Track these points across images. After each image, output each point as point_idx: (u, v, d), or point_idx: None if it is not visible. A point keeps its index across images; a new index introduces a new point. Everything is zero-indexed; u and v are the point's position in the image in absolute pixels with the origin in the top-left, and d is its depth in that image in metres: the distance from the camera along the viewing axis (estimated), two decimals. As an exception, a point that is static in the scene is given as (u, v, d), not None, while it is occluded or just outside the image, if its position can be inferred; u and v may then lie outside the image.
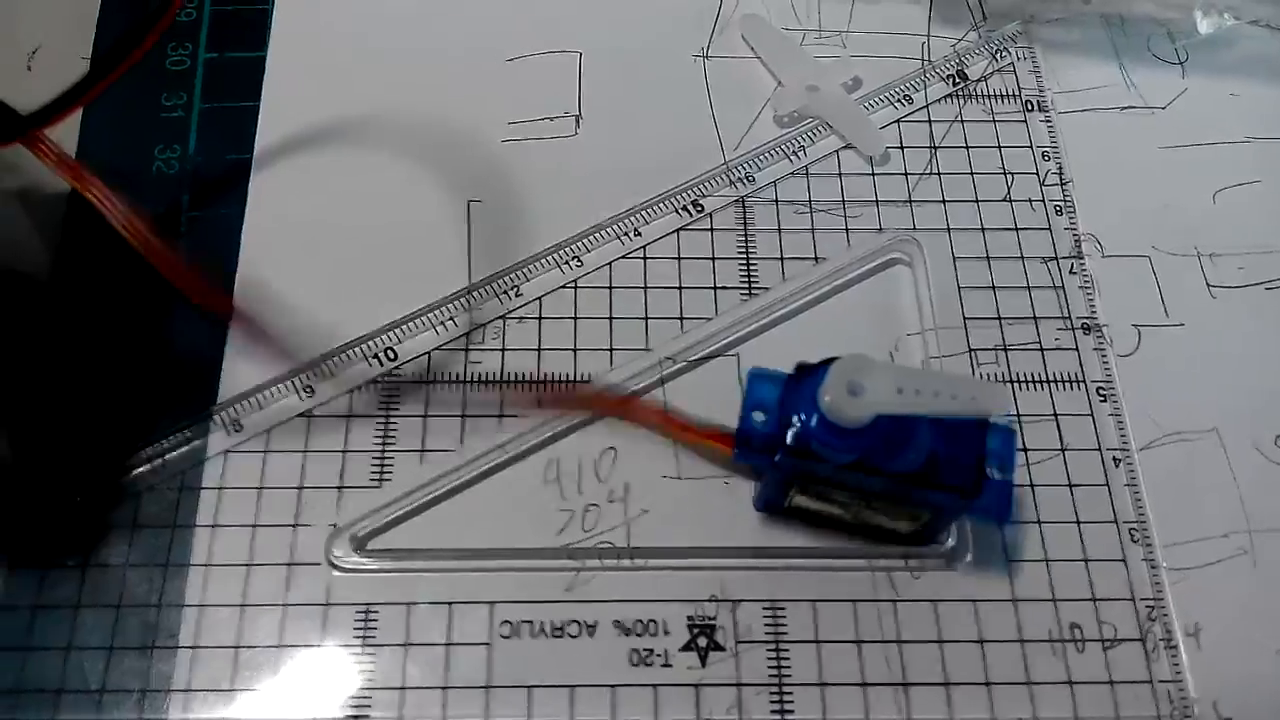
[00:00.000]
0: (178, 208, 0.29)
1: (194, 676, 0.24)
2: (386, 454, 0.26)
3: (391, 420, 0.27)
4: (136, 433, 0.26)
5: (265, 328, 0.26)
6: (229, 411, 0.26)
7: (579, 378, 0.27)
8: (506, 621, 0.25)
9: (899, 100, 0.31)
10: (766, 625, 0.25)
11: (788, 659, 0.24)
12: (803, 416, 0.22)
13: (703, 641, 0.25)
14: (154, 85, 0.31)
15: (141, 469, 0.26)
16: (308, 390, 0.27)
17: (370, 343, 0.27)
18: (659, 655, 0.24)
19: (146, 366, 0.27)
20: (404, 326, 0.28)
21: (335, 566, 0.25)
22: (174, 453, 0.26)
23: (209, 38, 0.32)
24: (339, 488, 0.26)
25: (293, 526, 0.25)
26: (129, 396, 0.26)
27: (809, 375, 0.23)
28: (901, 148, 0.31)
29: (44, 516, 0.25)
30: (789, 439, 0.22)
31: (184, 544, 0.25)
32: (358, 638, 0.24)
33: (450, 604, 0.25)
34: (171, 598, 0.24)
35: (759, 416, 0.24)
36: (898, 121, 0.31)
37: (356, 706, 0.24)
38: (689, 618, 0.25)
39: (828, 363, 0.22)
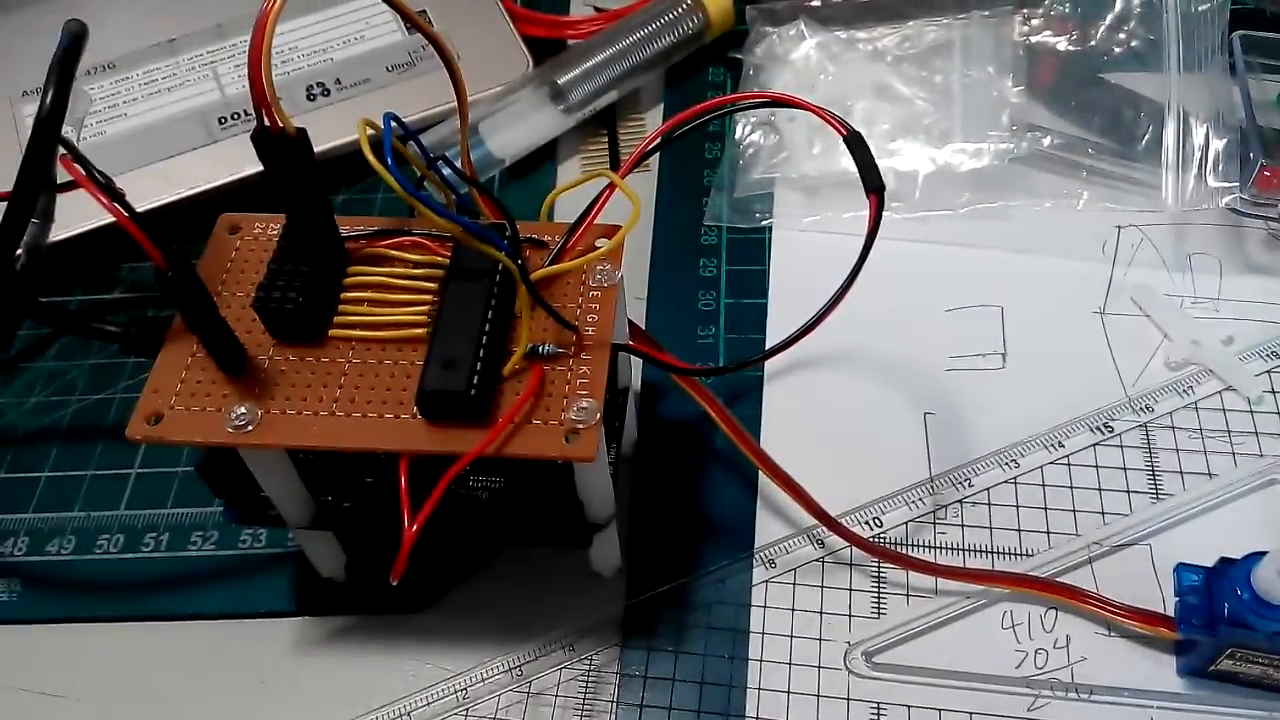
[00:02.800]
0: (715, 406, 0.41)
1: (755, 739, 0.33)
2: (882, 594, 0.36)
3: (883, 567, 0.36)
4: (706, 562, 0.37)
5: (799, 487, 0.36)
6: (766, 553, 0.37)
7: (1024, 550, 0.36)
8: (982, 727, 0.33)
9: (1267, 355, 0.40)
10: (1190, 754, 0.32)
11: (1211, 784, 0.31)
12: (1238, 595, 0.30)
13: (1138, 761, 0.32)
14: (691, 320, 0.44)
15: (711, 588, 0.36)
16: (819, 543, 0.37)
17: (861, 511, 0.38)
18: (1104, 768, 0.32)
19: (705, 517, 0.38)
20: (884, 502, 0.38)
21: (852, 672, 0.34)
22: (731, 579, 0.37)
23: (726, 289, 0.45)
24: (849, 615, 0.35)
25: (818, 640, 0.35)
26: (698, 537, 0.38)
27: (1235, 565, 0.31)
28: (1273, 392, 0.39)
29: (645, 612, 0.36)
30: (1226, 612, 0.30)
31: (744, 643, 0.35)
32: (871, 727, 0.33)
33: (940, 710, 0.33)
34: (738, 680, 0.34)
35: (1192, 599, 0.32)
36: (1268, 371, 0.39)
37: (873, 777, 0.32)
38: (1127, 742, 0.32)
39: (1256, 555, 0.30)
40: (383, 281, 0.32)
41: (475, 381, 0.29)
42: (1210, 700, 0.33)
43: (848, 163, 0.46)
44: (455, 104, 0.32)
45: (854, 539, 0.36)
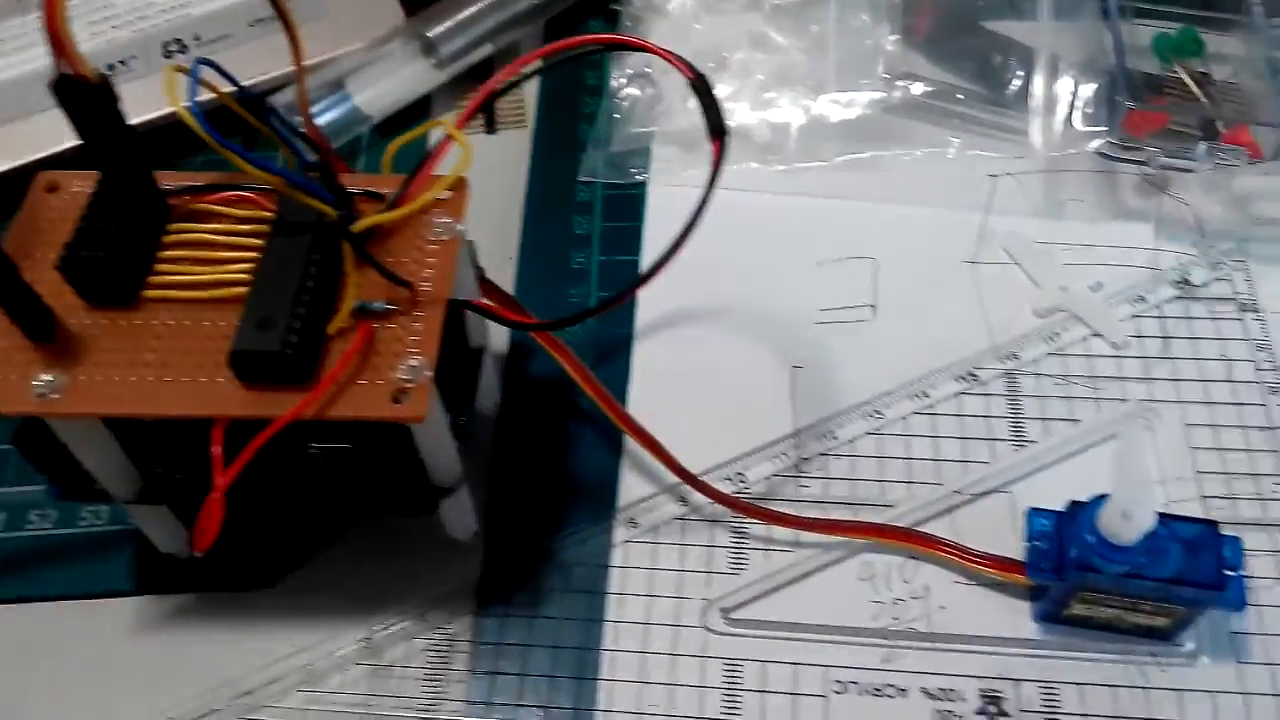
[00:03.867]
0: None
1: (611, 700, 0.33)
2: (742, 550, 0.35)
3: (744, 523, 0.36)
4: (565, 524, 0.36)
5: (661, 446, 0.36)
6: (627, 513, 0.36)
7: (886, 501, 0.36)
8: (838, 681, 0.33)
9: (1134, 300, 0.40)
10: (1043, 699, 0.32)
11: (1060, 727, 0.31)
12: (1085, 538, 0.30)
13: (993, 708, 0.32)
14: (565, 279, 0.43)
15: (570, 550, 0.36)
16: (682, 500, 0.37)
17: (725, 467, 0.37)
18: (958, 716, 0.32)
19: (567, 478, 0.37)
20: (749, 457, 0.37)
21: (709, 630, 0.34)
22: (592, 539, 0.36)
23: (600, 247, 0.44)
24: (708, 572, 0.35)
25: (676, 598, 0.34)
26: (559, 499, 0.37)
27: (1082, 508, 0.31)
28: (1138, 336, 0.39)
29: (501, 578, 0.35)
30: (1074, 555, 0.30)
31: (600, 605, 0.34)
32: (727, 683, 0.33)
33: (795, 664, 0.33)
34: (593, 643, 0.34)
35: (1042, 544, 0.32)
36: (1134, 316, 0.39)
37: (728, 733, 0.32)
38: (981, 690, 0.32)
39: (1101, 498, 0.30)
40: (204, 239, 0.30)
41: (292, 341, 0.28)
42: (1064, 646, 0.33)
43: (728, 115, 0.46)
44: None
45: (715, 494, 0.35)
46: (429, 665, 0.34)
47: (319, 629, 0.34)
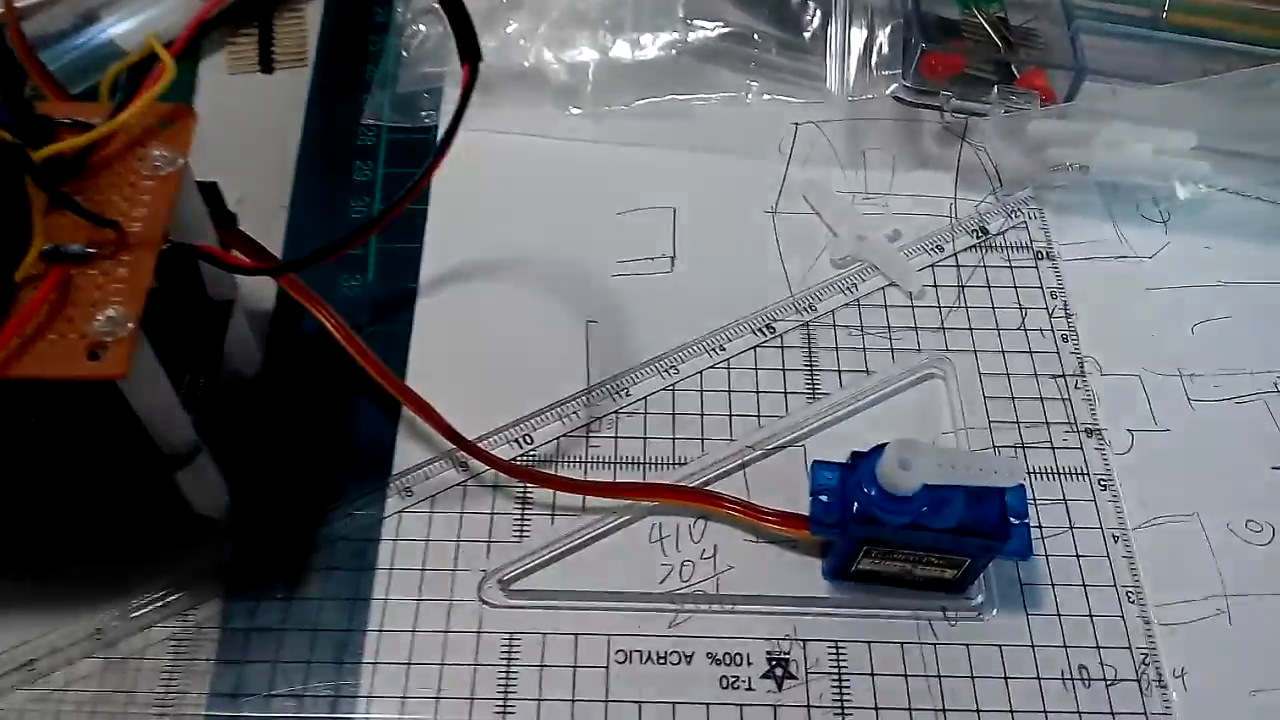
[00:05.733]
0: (359, 325, 0.37)
1: (375, 685, 0.30)
2: (525, 516, 0.33)
3: (529, 488, 0.33)
4: (331, 496, 0.33)
5: (432, 410, 0.33)
6: (402, 481, 0.33)
7: (678, 460, 0.34)
8: (621, 650, 0.31)
9: (932, 249, 0.39)
10: (830, 660, 0.31)
11: (849, 687, 0.30)
12: (865, 491, 0.29)
13: (779, 671, 0.30)
14: (342, 229, 0.39)
15: (336, 523, 0.32)
16: (462, 466, 0.34)
17: (512, 429, 0.34)
18: (743, 681, 0.30)
19: (336, 446, 0.34)
20: (537, 417, 0.35)
21: (485, 603, 0.31)
22: (360, 511, 0.33)
23: (382, 195, 0.40)
24: (488, 541, 0.32)
25: (452, 571, 0.32)
26: (326, 468, 0.34)
27: (864, 459, 0.30)
28: (935, 286, 0.38)
29: (256, 557, 0.32)
30: (855, 509, 0.29)
31: (367, 582, 0.32)
32: (503, 659, 0.30)
33: (576, 635, 0.31)
34: (358, 623, 0.31)
35: (824, 498, 0.30)
36: (931, 266, 0.38)
37: (503, 714, 0.30)
38: (768, 653, 0.31)
39: (879, 448, 0.29)
40: None
41: (-39, 289, 0.24)
42: (854, 604, 0.32)
43: (522, 55, 0.43)
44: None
45: (491, 460, 0.33)
46: (170, 656, 0.30)
47: (43, 620, 0.30)
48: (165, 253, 0.26)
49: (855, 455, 0.30)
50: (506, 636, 0.31)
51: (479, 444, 0.33)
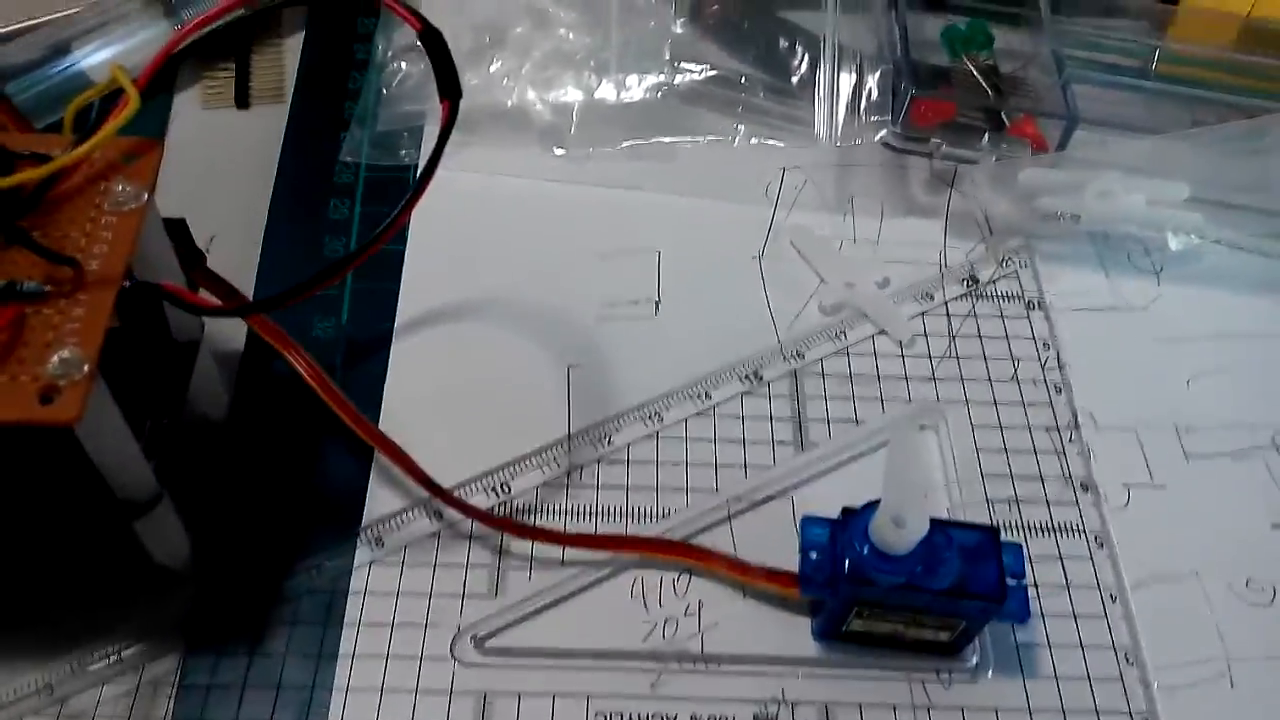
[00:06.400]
0: (332, 368, 0.35)
1: (341, 748, 0.28)
2: (502, 569, 0.31)
3: (506, 540, 0.32)
4: (299, 546, 0.31)
5: (407, 457, 0.32)
6: (372, 530, 0.32)
7: (662, 511, 0.33)
8: (600, 713, 0.29)
9: (922, 297, 0.38)
10: (820, 723, 0.29)
11: (838, 753, 0.29)
12: (856, 549, 0.28)
13: (766, 736, 0.29)
14: (316, 268, 0.38)
15: (302, 575, 0.31)
16: (437, 515, 0.32)
17: (489, 477, 0.33)
18: (729, 746, 0.29)
19: (305, 493, 0.33)
20: (516, 465, 0.33)
21: (459, 661, 0.30)
22: (329, 563, 0.31)
23: (359, 234, 0.39)
24: (462, 596, 0.31)
25: (424, 626, 0.30)
26: (294, 516, 0.32)
27: (855, 516, 0.29)
28: (925, 335, 0.37)
29: (218, 610, 0.30)
30: (847, 567, 0.28)
31: (334, 637, 0.30)
32: (476, 721, 0.29)
33: (553, 695, 0.29)
34: (324, 681, 0.29)
35: (814, 555, 0.29)
36: (922, 314, 0.38)
37: (474, 780, 0.28)
38: (755, 715, 0.29)
39: (872, 505, 0.28)
40: None
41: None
42: (845, 664, 0.30)
43: (506, 94, 0.42)
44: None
45: (467, 509, 0.31)
46: (123, 715, 0.29)
47: (-10, 677, 0.29)
48: (126, 292, 0.25)
49: (846, 512, 0.29)
50: (480, 696, 0.29)
51: (455, 492, 0.32)
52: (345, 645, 0.30)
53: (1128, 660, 0.30)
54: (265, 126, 0.42)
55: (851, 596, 0.28)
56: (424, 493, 0.32)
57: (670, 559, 0.31)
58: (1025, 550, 0.29)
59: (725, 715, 0.29)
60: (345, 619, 0.30)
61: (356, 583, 0.31)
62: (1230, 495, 0.34)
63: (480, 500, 0.33)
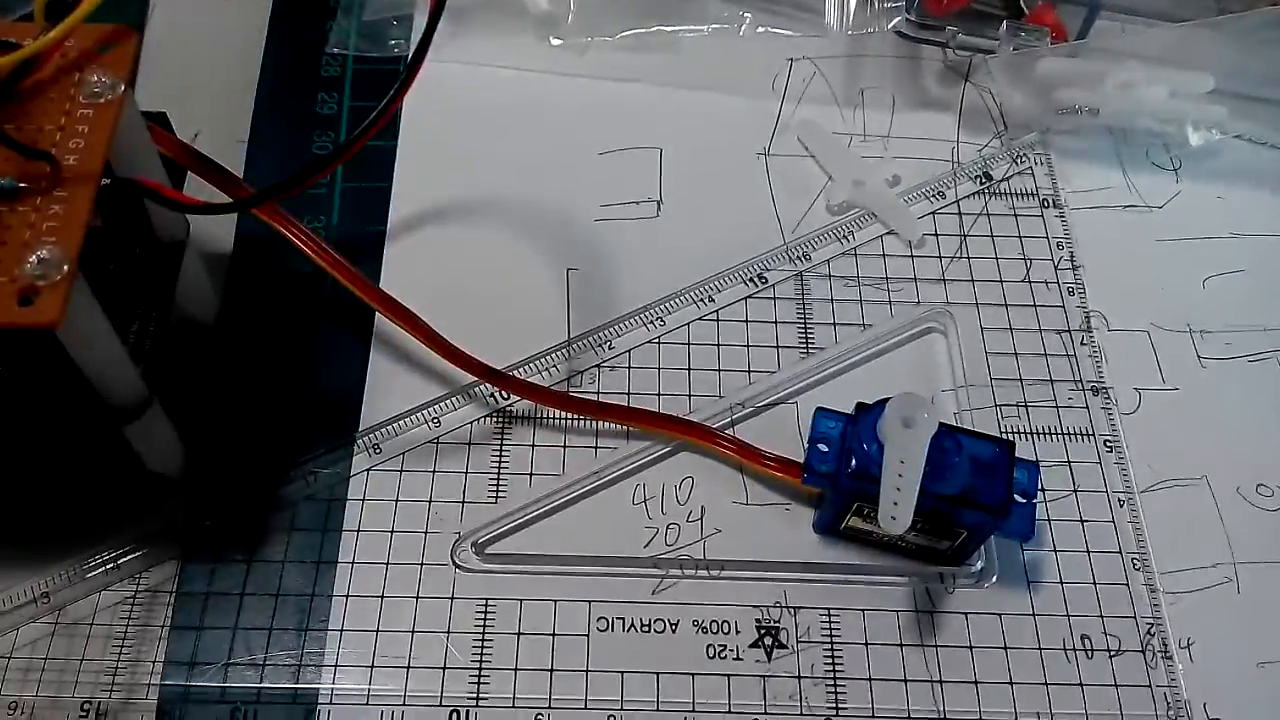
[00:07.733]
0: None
1: (341, 653, 0.28)
2: (501, 475, 0.31)
3: (505, 447, 0.31)
4: (294, 452, 0.31)
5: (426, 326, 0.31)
6: (371, 437, 0.31)
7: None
8: (602, 618, 0.29)
9: (933, 195, 0.37)
10: (822, 629, 0.29)
11: (841, 657, 0.29)
12: (864, 445, 0.27)
13: (768, 640, 0.29)
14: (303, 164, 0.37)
15: (298, 482, 0.30)
16: (435, 421, 0.32)
17: (486, 384, 0.32)
18: (731, 650, 0.29)
19: (300, 400, 0.32)
20: (516, 370, 0.33)
21: (459, 567, 0.30)
22: (326, 470, 0.31)
23: (348, 129, 0.38)
24: (462, 502, 0.31)
25: (424, 533, 0.30)
26: (289, 422, 0.31)
27: (867, 413, 0.28)
28: (936, 235, 0.36)
29: (216, 519, 0.30)
30: (852, 463, 0.27)
31: (333, 544, 0.30)
32: (478, 627, 0.29)
33: (555, 601, 0.29)
34: (323, 588, 0.29)
35: (823, 447, 0.29)
36: (932, 213, 0.36)
37: (476, 683, 0.28)
38: (756, 620, 0.29)
39: (884, 402, 0.27)
40: None
41: None
42: (848, 569, 0.30)
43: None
44: None
45: (519, 387, 0.31)
46: (122, 622, 0.28)
47: (-16, 584, 0.28)
48: (106, 188, 0.24)
49: (860, 407, 0.28)
50: (481, 603, 0.29)
51: (457, 395, 0.31)
52: (344, 552, 0.30)
53: (1134, 566, 0.30)
54: (249, 16, 0.40)
55: (852, 490, 0.28)
56: (422, 396, 0.32)
57: (678, 437, 0.31)
58: (1032, 452, 0.28)
59: (728, 621, 0.29)
60: (344, 525, 0.30)
61: (355, 490, 0.31)
62: (1242, 398, 0.33)
63: (477, 407, 0.32)
